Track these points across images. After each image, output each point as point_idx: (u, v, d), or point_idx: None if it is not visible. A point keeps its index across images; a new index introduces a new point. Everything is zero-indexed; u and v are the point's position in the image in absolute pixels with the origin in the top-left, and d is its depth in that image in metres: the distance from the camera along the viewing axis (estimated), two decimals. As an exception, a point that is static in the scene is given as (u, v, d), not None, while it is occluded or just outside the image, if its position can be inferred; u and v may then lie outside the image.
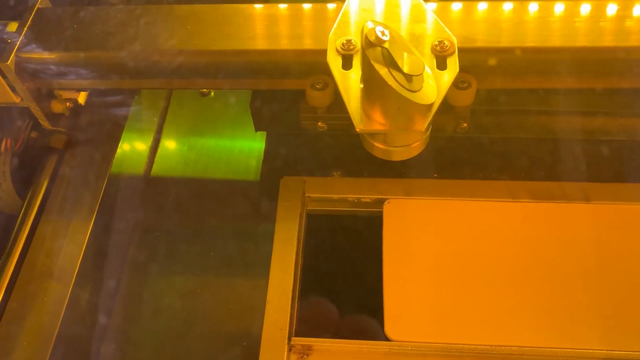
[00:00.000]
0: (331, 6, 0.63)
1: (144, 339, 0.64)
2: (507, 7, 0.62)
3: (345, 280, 0.64)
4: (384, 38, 0.44)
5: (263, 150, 0.74)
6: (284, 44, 0.60)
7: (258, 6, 0.65)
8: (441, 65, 0.51)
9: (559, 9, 0.62)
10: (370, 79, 0.46)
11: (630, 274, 0.59)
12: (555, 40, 0.59)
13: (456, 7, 0.63)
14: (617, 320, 0.56)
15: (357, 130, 0.49)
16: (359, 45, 0.51)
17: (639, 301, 0.57)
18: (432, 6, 0.62)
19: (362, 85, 0.49)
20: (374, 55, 0.45)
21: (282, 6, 0.64)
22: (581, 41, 0.59)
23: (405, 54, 0.45)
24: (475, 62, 0.56)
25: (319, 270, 0.64)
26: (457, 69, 0.50)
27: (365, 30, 0.45)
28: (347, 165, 0.70)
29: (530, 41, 0.58)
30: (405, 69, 0.45)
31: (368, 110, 0.49)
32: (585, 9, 0.62)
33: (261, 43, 0.60)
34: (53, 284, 0.62)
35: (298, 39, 0.61)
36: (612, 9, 0.62)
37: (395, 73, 0.45)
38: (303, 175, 0.68)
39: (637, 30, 0.60)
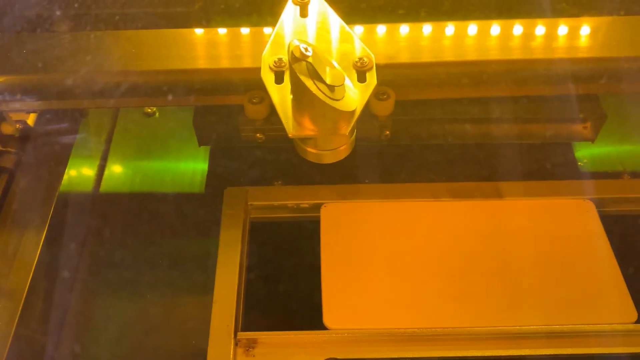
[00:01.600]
0: (267, 30, 0.70)
1: (97, 348, 0.66)
2: (426, 29, 0.70)
3: (289, 278, 0.69)
4: (307, 53, 0.50)
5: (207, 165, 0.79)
6: (223, 63, 0.65)
7: (198, 31, 0.71)
8: (361, 78, 0.58)
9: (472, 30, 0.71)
10: (298, 90, 0.52)
11: (542, 258, 0.67)
12: (468, 55, 0.68)
13: (381, 30, 0.71)
14: (531, 300, 0.64)
15: (290, 136, 0.55)
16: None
17: (549, 282, 0.65)
18: (359, 29, 0.70)
19: (292, 97, 0.55)
20: (300, 69, 0.51)
21: (221, 30, 0.71)
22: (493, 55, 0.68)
23: (327, 68, 0.52)
24: (393, 76, 0.64)
25: (264, 272, 0.69)
26: (375, 82, 0.57)
27: (291, 47, 0.51)
28: (287, 175, 0.76)
29: (440, 57, 0.67)
30: (328, 80, 0.51)
31: (298, 118, 0.55)
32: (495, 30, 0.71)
33: (202, 63, 0.65)
34: (3, 302, 0.64)
35: (236, 59, 0.67)
36: (518, 29, 0.71)
37: (319, 84, 0.51)
38: (246, 186, 0.73)
39: (540, 46, 0.69)
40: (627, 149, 0.78)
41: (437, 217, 0.71)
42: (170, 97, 0.65)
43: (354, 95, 0.55)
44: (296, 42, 0.51)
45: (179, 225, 0.74)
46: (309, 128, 0.55)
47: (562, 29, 0.72)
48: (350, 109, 0.54)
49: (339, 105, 0.52)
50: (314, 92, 0.51)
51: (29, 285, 0.65)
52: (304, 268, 0.68)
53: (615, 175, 0.76)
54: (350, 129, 0.55)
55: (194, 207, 0.76)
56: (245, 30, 0.72)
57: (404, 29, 0.72)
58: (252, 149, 0.75)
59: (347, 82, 0.55)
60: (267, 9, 0.73)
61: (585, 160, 0.78)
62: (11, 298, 0.65)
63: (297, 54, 0.50)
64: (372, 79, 0.58)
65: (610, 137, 0.78)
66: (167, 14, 0.75)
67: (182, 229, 0.74)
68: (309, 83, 0.51)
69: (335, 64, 0.53)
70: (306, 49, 0.50)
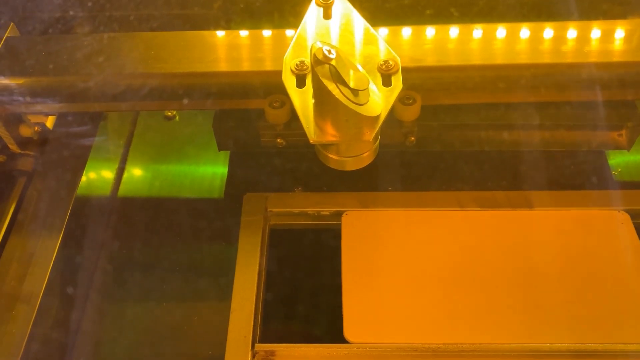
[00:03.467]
0: (289, 33, 0.68)
1: (112, 353, 0.65)
2: (453, 32, 0.68)
3: (308, 289, 0.67)
4: (331, 56, 0.48)
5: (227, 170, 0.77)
6: (244, 66, 0.64)
7: (219, 33, 0.70)
8: (386, 82, 0.55)
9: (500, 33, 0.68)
10: (321, 94, 0.50)
11: (572, 272, 0.64)
12: (497, 59, 0.65)
13: (406, 32, 0.68)
14: (559, 316, 0.61)
15: (311, 142, 0.53)
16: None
17: (579, 297, 0.62)
18: (383, 31, 0.68)
19: (314, 101, 0.53)
20: (323, 72, 0.49)
21: (242, 32, 0.69)
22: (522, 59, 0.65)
23: (351, 71, 0.50)
24: (419, 80, 0.61)
25: (283, 281, 0.67)
26: (401, 86, 0.55)
27: (314, 50, 0.49)
28: (308, 182, 0.74)
29: (470, 60, 0.64)
30: (352, 84, 0.49)
31: (320, 123, 0.53)
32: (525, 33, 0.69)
33: (222, 65, 0.64)
34: (19, 305, 0.64)
35: (257, 62, 0.65)
36: (549, 32, 0.68)
37: (342, 88, 0.49)
38: (266, 192, 0.71)
39: (571, 49, 0.66)
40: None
41: (463, 227, 0.68)
42: (188, 101, 0.64)
43: (379, 100, 0.52)
44: (319, 44, 0.49)
45: (198, 231, 0.73)
46: (331, 134, 0.52)
47: (596, 32, 0.69)
48: (375, 114, 0.51)
49: (362, 110, 0.50)
50: (336, 96, 0.49)
51: (45, 289, 0.64)
52: (324, 278, 0.66)
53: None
54: (374, 135, 0.53)
55: (213, 213, 0.74)
56: (267, 33, 0.70)
57: (430, 31, 0.69)
58: (273, 154, 0.73)
59: (372, 86, 0.52)
60: (289, 9, 0.71)
61: (620, 170, 0.74)
62: (27, 301, 0.64)
63: (320, 57, 0.48)
64: (397, 82, 0.55)
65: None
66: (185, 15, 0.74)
67: (201, 235, 0.72)
68: (331, 87, 0.49)
69: (360, 67, 0.51)
70: (329, 52, 0.48)
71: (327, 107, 0.51)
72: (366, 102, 0.51)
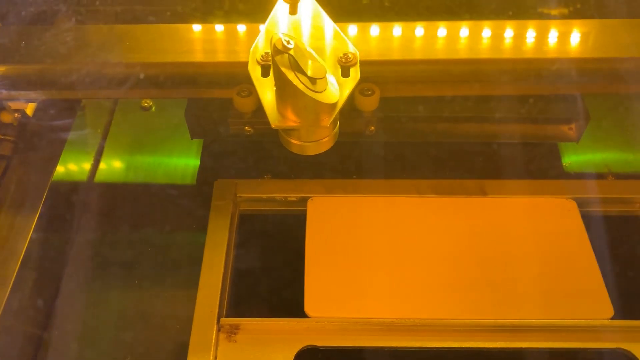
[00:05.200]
0: (262, 27, 0.72)
1: (83, 333, 0.68)
2: (419, 32, 0.72)
3: (274, 268, 0.71)
4: (289, 46, 0.52)
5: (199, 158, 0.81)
6: (214, 57, 0.68)
7: (195, 27, 0.73)
8: (345, 73, 0.60)
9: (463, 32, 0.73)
10: (281, 82, 0.54)
11: (521, 254, 0.68)
12: (457, 54, 0.69)
13: (368, 28, 0.73)
14: (506, 294, 0.65)
15: (273, 126, 0.57)
16: (275, 57, 0.59)
17: (526, 277, 0.66)
18: (351, 28, 0.72)
19: (275, 88, 0.57)
20: (282, 61, 0.53)
21: (218, 27, 0.73)
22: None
23: (309, 61, 0.54)
24: (378, 73, 0.66)
25: (250, 261, 0.71)
26: (358, 77, 0.59)
27: (274, 40, 0.53)
28: (276, 169, 0.78)
29: (428, 55, 0.68)
30: (309, 73, 0.53)
31: (282, 109, 0.57)
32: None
33: (193, 56, 0.67)
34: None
35: (228, 54, 0.69)
36: (508, 31, 0.73)
37: (300, 76, 0.53)
38: (236, 179, 0.75)
39: (512, 46, 0.71)
40: (611, 150, 0.80)
41: (421, 212, 0.72)
42: (162, 90, 0.67)
43: (336, 89, 0.57)
44: (279, 35, 0.53)
45: (170, 216, 0.76)
46: (291, 119, 0.56)
47: (551, 31, 0.73)
48: (331, 102, 0.55)
49: (319, 97, 0.54)
50: (295, 83, 0.53)
51: (18, 270, 0.66)
52: (289, 259, 0.70)
53: (599, 176, 0.77)
54: (331, 120, 0.57)
55: (185, 199, 0.77)
56: (241, 27, 0.74)
57: (396, 29, 0.73)
58: (243, 142, 0.77)
59: (330, 76, 0.56)
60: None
61: (570, 161, 0.79)
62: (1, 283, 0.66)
63: (279, 46, 0.52)
64: (355, 74, 0.59)
65: (596, 139, 0.79)
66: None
67: (173, 220, 0.76)
68: (290, 75, 0.53)
69: (318, 58, 0.55)
70: (288, 42, 0.52)
71: (286, 94, 0.55)
72: (323, 90, 0.55)
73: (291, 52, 0.52)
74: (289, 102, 0.55)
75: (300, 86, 0.53)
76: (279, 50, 0.52)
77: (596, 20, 0.74)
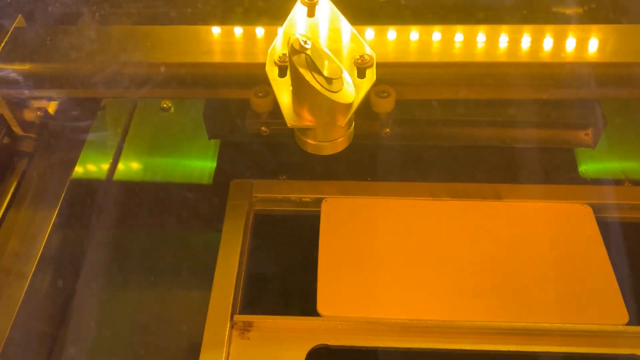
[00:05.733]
0: (280, 30, 0.73)
1: (99, 325, 0.69)
2: (435, 35, 0.73)
3: (287, 267, 0.71)
4: (306, 46, 0.53)
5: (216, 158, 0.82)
6: (233, 58, 0.69)
7: (215, 29, 0.75)
8: (361, 74, 0.60)
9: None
10: (297, 82, 0.55)
11: (535, 258, 0.68)
12: (474, 57, 0.70)
13: (386, 31, 0.73)
14: (520, 298, 0.65)
15: (289, 125, 0.57)
16: (292, 58, 0.60)
17: (540, 281, 0.66)
18: (368, 30, 0.73)
19: (292, 88, 0.58)
20: (299, 61, 0.54)
21: (237, 30, 0.74)
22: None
23: (326, 61, 0.55)
24: (395, 75, 0.66)
25: (264, 260, 0.71)
26: (374, 78, 0.60)
27: (291, 40, 0.54)
28: (292, 170, 0.79)
29: (442, 58, 0.69)
30: (326, 73, 0.54)
31: (297, 109, 0.58)
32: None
33: (212, 57, 0.69)
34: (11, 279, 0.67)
35: (246, 55, 0.70)
36: (525, 35, 0.73)
37: (317, 76, 0.54)
38: (252, 179, 0.76)
39: (529, 50, 0.70)
40: (628, 156, 0.79)
41: (435, 215, 0.72)
42: (181, 89, 0.69)
43: (351, 89, 0.57)
44: (296, 35, 0.54)
45: (187, 214, 0.77)
46: (307, 119, 0.57)
47: (569, 36, 0.73)
48: (347, 102, 0.56)
49: (335, 97, 0.55)
50: (311, 83, 0.54)
51: (37, 263, 0.67)
52: (302, 258, 0.70)
53: (616, 182, 0.77)
54: (347, 120, 0.57)
55: (202, 198, 0.79)
56: (260, 30, 0.75)
57: (413, 33, 0.74)
58: (259, 143, 0.78)
59: (346, 76, 0.57)
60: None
61: (586, 167, 0.79)
62: (21, 275, 0.68)
63: (297, 47, 0.53)
64: (371, 75, 0.60)
65: (613, 144, 0.78)
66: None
67: (190, 218, 0.77)
68: (307, 75, 0.54)
69: (334, 58, 0.56)
70: (305, 42, 0.53)
71: (303, 94, 0.56)
72: (339, 90, 0.56)
73: (308, 52, 0.53)
74: (305, 102, 0.56)
75: (317, 86, 0.54)
76: (296, 50, 0.53)
77: (614, 25, 0.74)
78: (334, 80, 0.55)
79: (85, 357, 0.67)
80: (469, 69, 0.70)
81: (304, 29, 0.64)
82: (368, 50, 0.61)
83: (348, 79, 0.58)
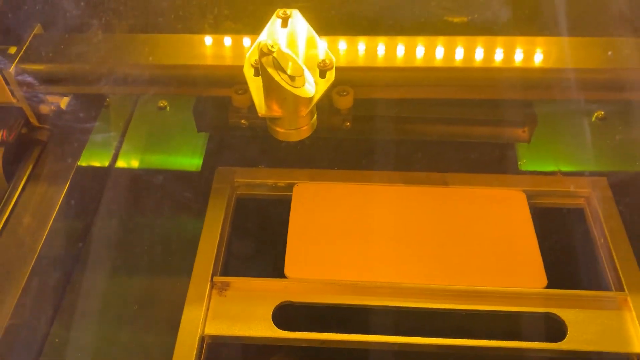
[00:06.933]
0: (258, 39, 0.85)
1: (100, 298, 0.80)
2: (382, 45, 0.85)
3: (262, 239, 0.83)
4: (272, 49, 0.65)
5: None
6: (217, 61, 0.81)
7: (207, 38, 0.87)
8: (322, 75, 0.72)
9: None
10: (266, 79, 0.67)
11: (471, 234, 0.80)
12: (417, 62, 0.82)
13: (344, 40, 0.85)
14: (458, 265, 0.76)
15: (260, 115, 0.70)
16: (266, 61, 0.72)
17: (476, 252, 0.78)
18: (335, 41, 0.85)
19: (262, 85, 0.70)
20: (267, 62, 0.66)
21: (227, 39, 0.87)
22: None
23: (289, 62, 0.67)
24: (353, 77, 0.79)
25: (243, 234, 0.83)
26: (333, 78, 0.72)
27: (260, 44, 0.66)
28: (271, 159, 0.91)
29: (392, 63, 0.81)
30: (289, 72, 0.66)
31: (268, 102, 0.70)
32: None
33: (200, 60, 0.81)
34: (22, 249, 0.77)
35: (228, 59, 0.83)
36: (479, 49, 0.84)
37: (282, 74, 0.66)
38: (235, 167, 0.88)
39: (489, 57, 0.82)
40: (561, 151, 0.91)
41: (391, 199, 0.84)
42: (174, 88, 0.81)
43: (312, 86, 0.70)
44: (265, 41, 0.66)
45: (178, 198, 0.89)
46: (275, 110, 0.70)
47: (515, 47, 0.85)
48: (307, 96, 0.68)
49: (297, 92, 0.67)
50: (277, 80, 0.66)
51: (45, 238, 0.78)
52: (275, 232, 0.82)
53: (549, 173, 0.89)
54: (308, 111, 0.69)
55: (192, 184, 0.91)
56: (246, 40, 0.87)
57: (370, 42, 0.85)
58: (241, 135, 0.90)
59: (307, 75, 0.69)
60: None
61: (524, 159, 0.91)
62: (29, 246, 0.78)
63: (265, 50, 0.65)
64: (331, 76, 0.72)
65: (547, 140, 0.91)
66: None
67: (180, 201, 0.89)
68: (273, 73, 0.66)
69: (297, 59, 0.68)
70: (271, 46, 0.65)
71: (271, 89, 0.68)
72: (301, 86, 0.68)
73: (274, 54, 0.65)
74: (273, 96, 0.68)
75: (282, 82, 0.66)
76: (264, 52, 0.65)
77: (544, 37, 0.85)
78: (296, 78, 0.67)
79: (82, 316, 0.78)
80: (415, 72, 0.81)
81: (278, 38, 0.76)
82: (329, 56, 0.74)
83: (309, 78, 0.70)
